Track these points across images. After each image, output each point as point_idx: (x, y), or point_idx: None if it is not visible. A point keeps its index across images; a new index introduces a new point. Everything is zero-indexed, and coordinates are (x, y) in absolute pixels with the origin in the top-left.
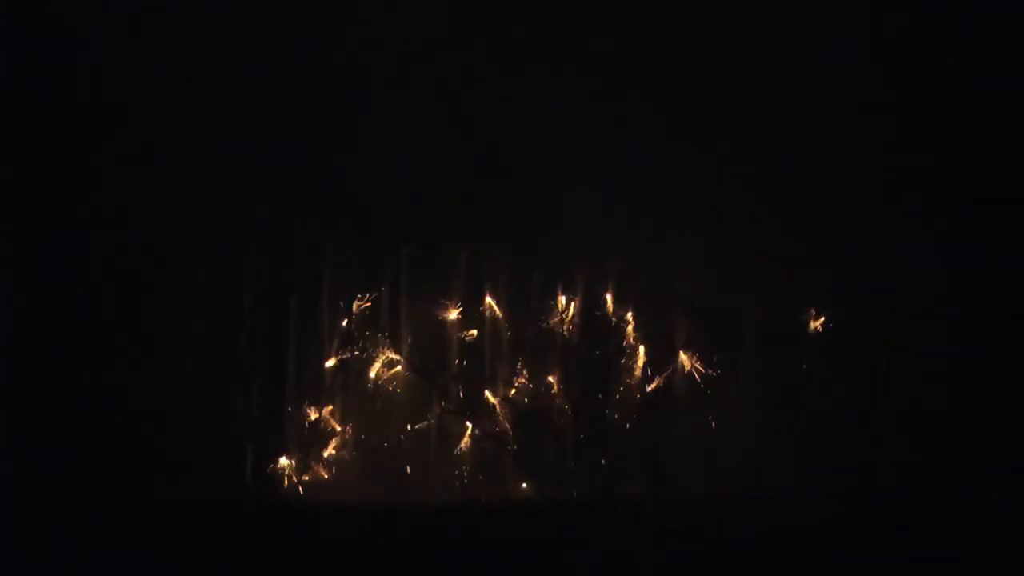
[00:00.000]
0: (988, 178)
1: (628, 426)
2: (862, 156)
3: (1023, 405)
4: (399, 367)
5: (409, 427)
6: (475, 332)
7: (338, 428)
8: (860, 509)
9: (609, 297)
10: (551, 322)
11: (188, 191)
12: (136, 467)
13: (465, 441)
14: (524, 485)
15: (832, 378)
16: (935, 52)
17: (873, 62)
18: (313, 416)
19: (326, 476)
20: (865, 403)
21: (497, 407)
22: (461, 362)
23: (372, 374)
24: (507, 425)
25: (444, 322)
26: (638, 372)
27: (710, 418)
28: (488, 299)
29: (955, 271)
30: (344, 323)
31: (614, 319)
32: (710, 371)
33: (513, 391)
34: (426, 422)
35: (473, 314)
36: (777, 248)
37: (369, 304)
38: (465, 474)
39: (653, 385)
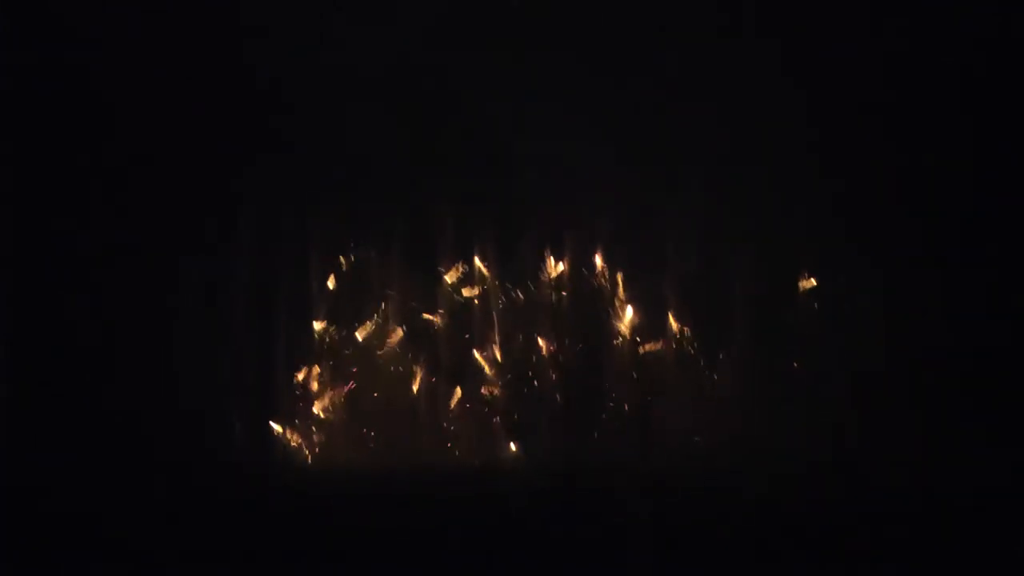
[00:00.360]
0: (984, 145)
1: (618, 390)
2: (856, 126)
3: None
4: (388, 329)
5: (398, 390)
6: (464, 294)
7: (327, 391)
8: (855, 484)
9: (599, 260)
10: (541, 284)
11: (172, 153)
12: (121, 436)
13: (454, 404)
14: (513, 448)
15: (826, 347)
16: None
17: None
18: (301, 379)
19: (314, 439)
20: (859, 375)
21: (486, 370)
22: (450, 325)
23: (361, 336)
24: (496, 388)
25: (433, 284)
26: (628, 337)
27: (701, 385)
28: (477, 260)
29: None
30: (332, 284)
31: (604, 282)
32: (701, 337)
33: (502, 354)
34: (415, 385)
35: (462, 276)
36: (772, 215)
37: (357, 265)
38: (454, 437)
39: (643, 350)
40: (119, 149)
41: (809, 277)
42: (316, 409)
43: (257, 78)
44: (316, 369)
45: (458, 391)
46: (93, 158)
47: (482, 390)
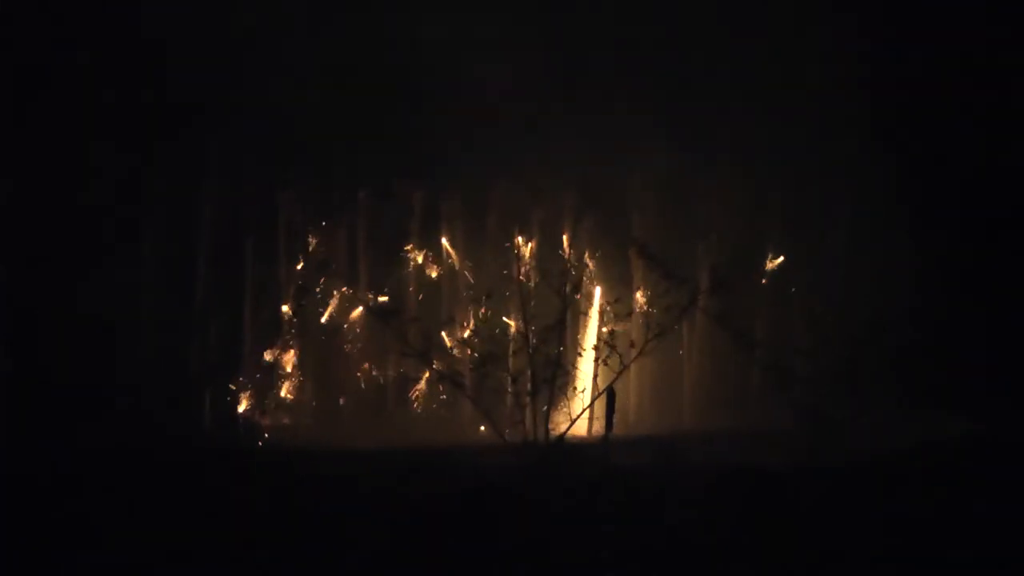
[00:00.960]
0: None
1: (584, 368)
2: (817, 101)
3: (972, 344)
4: (356, 310)
5: (367, 370)
6: (432, 274)
7: (295, 372)
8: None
9: (566, 239)
10: (508, 264)
11: (135, 128)
12: (93, 417)
13: (423, 384)
14: (482, 428)
15: (785, 321)
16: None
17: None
18: (270, 360)
19: (284, 421)
20: (818, 345)
21: (455, 349)
22: (418, 304)
23: (328, 318)
24: (465, 367)
25: (401, 264)
26: (594, 314)
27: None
28: (444, 241)
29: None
30: (300, 266)
31: (571, 261)
32: (665, 314)
33: (470, 333)
34: (384, 365)
35: (430, 256)
36: (734, 190)
37: (325, 246)
38: (423, 417)
39: (609, 327)
40: (83, 138)
41: (773, 259)
42: (284, 391)
43: (222, 64)
44: (284, 351)
45: (425, 371)
46: (61, 150)
47: (450, 369)
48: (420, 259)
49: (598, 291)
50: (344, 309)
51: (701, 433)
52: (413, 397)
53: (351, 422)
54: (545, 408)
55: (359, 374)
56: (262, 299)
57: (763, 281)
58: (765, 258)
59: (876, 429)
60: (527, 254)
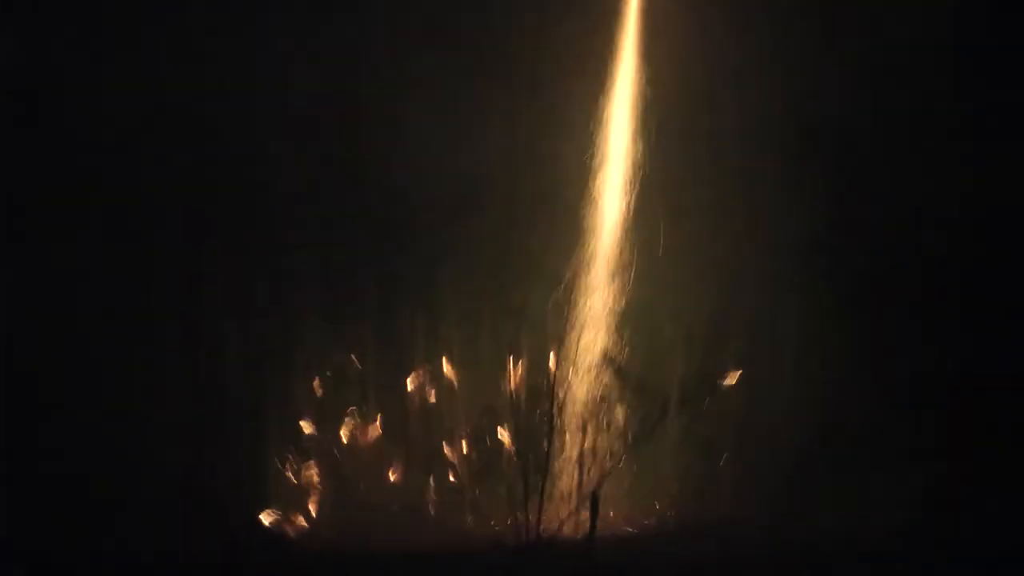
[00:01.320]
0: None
1: (569, 476)
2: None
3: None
4: (370, 427)
5: (377, 482)
6: (433, 397)
7: (315, 484)
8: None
9: (552, 361)
10: (500, 385)
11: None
12: (112, 525)
13: (428, 493)
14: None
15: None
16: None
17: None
18: (291, 474)
19: (305, 529)
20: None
21: (456, 463)
22: (423, 422)
23: (344, 436)
24: (465, 479)
25: (406, 387)
26: (578, 427)
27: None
28: (445, 365)
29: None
30: (316, 386)
31: (555, 380)
32: (641, 426)
33: (468, 448)
34: (393, 477)
35: (431, 379)
36: (698, 303)
37: (338, 370)
38: (430, 523)
39: (592, 439)
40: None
41: (735, 371)
42: (308, 503)
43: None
44: (305, 464)
45: (431, 481)
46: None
47: (451, 480)
48: (418, 380)
49: (581, 405)
50: (358, 427)
51: (677, 526)
52: (418, 504)
53: (360, 528)
54: (536, 514)
55: (370, 485)
56: (284, 417)
57: (728, 390)
58: (728, 369)
59: (836, 517)
60: (517, 374)
